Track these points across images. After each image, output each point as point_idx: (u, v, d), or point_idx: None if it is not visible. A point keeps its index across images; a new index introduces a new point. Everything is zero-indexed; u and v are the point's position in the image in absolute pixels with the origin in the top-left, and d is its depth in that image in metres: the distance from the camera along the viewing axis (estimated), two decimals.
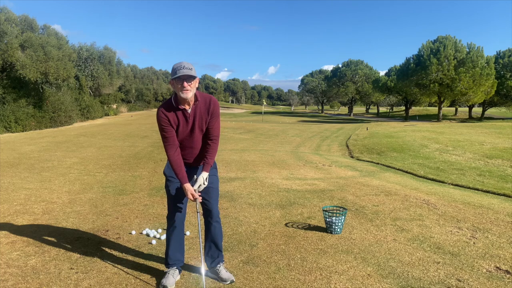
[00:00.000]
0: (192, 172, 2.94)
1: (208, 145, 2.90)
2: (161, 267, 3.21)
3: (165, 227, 3.08)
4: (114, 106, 48.40)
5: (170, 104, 2.77)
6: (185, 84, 2.64)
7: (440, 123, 37.00)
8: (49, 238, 3.89)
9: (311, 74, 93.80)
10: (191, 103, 2.78)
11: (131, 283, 2.94)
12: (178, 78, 2.64)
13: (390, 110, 76.54)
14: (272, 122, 41.52)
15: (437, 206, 5.40)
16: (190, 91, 2.68)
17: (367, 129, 25.47)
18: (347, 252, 3.63)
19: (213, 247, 3.09)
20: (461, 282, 3.04)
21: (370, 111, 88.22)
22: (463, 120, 43.85)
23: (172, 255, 3.01)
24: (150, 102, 69.90)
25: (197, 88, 2.84)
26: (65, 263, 3.29)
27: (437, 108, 46.41)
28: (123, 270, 3.16)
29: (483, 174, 9.19)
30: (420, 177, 9.07)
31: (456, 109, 59.10)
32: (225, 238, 3.88)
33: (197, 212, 2.92)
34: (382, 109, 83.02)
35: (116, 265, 3.26)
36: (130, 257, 3.45)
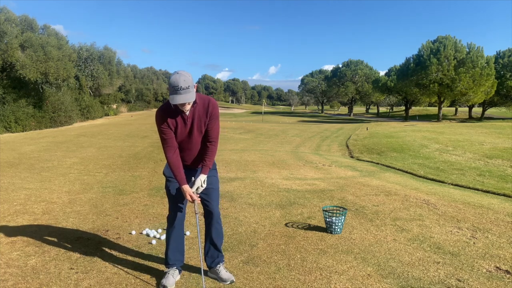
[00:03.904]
0: (191, 173, 2.94)
1: (207, 148, 2.88)
2: (161, 267, 3.21)
3: (165, 227, 3.08)
4: (114, 106, 48.40)
5: (169, 106, 2.74)
6: (185, 105, 2.65)
7: (440, 123, 37.02)
8: (49, 238, 3.89)
9: (311, 74, 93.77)
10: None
11: (131, 283, 2.94)
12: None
13: (390, 110, 76.52)
14: (272, 122, 41.53)
15: (437, 206, 5.40)
16: (189, 105, 2.70)
17: (367, 129, 25.47)
18: (347, 252, 3.63)
19: (213, 247, 3.09)
20: (461, 282, 3.04)
21: (370, 111, 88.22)
22: (463, 120, 43.86)
23: (172, 255, 3.01)
24: (150, 102, 69.91)
25: (197, 89, 2.83)
26: (65, 263, 3.29)
27: (437, 108, 46.41)
28: (123, 270, 3.16)
29: (483, 174, 9.19)
30: (420, 177, 9.07)
31: (456, 109, 59.10)
32: (225, 238, 3.87)
33: (196, 213, 2.91)
34: (382, 109, 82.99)
35: (116, 265, 3.26)
36: (130, 257, 3.45)
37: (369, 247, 3.78)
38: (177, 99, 2.56)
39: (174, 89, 2.55)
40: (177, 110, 2.74)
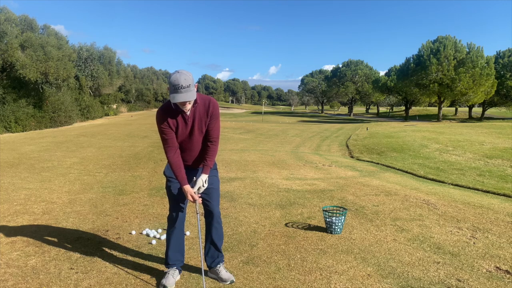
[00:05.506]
0: (192, 174, 2.93)
1: (208, 147, 2.88)
2: (161, 267, 3.21)
3: (165, 227, 3.09)
4: (114, 106, 48.42)
5: (169, 107, 2.75)
6: (186, 104, 2.65)
7: (440, 123, 37.01)
8: (49, 238, 3.89)
9: (311, 74, 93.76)
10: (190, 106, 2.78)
11: (131, 283, 2.94)
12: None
13: (390, 110, 76.53)
14: (272, 122, 41.54)
15: (437, 206, 5.40)
16: (190, 104, 2.69)
17: (367, 129, 25.46)
18: (347, 252, 3.63)
19: (213, 247, 3.09)
20: (461, 282, 3.04)
21: (370, 111, 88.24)
22: (463, 120, 43.86)
23: (172, 255, 3.01)
24: (150, 102, 69.99)
25: (197, 89, 2.83)
26: (65, 263, 3.29)
27: (437, 108, 46.41)
28: (123, 270, 3.16)
29: (483, 174, 9.19)
30: (420, 177, 9.07)
31: (456, 109, 59.11)
32: (225, 238, 3.87)
33: (197, 213, 2.92)
34: (382, 109, 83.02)
35: (116, 265, 3.26)
36: (130, 257, 3.45)
37: (369, 247, 3.77)
38: (178, 98, 2.55)
39: (175, 88, 2.54)
40: (178, 110, 2.74)
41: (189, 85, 2.56)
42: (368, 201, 5.68)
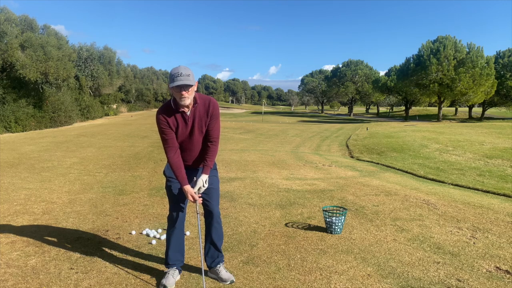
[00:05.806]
0: (192, 174, 2.94)
1: (208, 147, 2.89)
2: (161, 267, 3.21)
3: (165, 227, 3.09)
4: (114, 106, 48.44)
5: (169, 107, 2.76)
6: (183, 92, 2.63)
7: (440, 123, 37.02)
8: (49, 238, 3.89)
9: (311, 74, 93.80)
10: (190, 105, 2.78)
11: (131, 283, 2.94)
12: (176, 87, 2.63)
13: (390, 110, 76.55)
14: (272, 122, 41.55)
15: (437, 206, 5.40)
16: (188, 98, 2.68)
17: (367, 129, 25.47)
18: (347, 252, 3.63)
19: (213, 247, 3.09)
20: (461, 282, 3.04)
21: (370, 111, 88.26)
22: (463, 120, 43.87)
23: (172, 255, 3.01)
24: (150, 102, 70.02)
25: (197, 89, 2.83)
26: (65, 263, 3.29)
27: (437, 108, 46.42)
28: (123, 270, 3.16)
29: (483, 174, 9.19)
30: (420, 177, 9.07)
31: (456, 109, 59.12)
32: (225, 238, 3.87)
33: (197, 213, 2.92)
34: (382, 109, 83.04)
35: (116, 265, 3.26)
36: (130, 257, 3.45)
37: (369, 247, 3.77)
38: (178, 82, 2.58)
39: (175, 75, 2.59)
40: (178, 110, 2.75)
41: (189, 74, 2.61)
42: (368, 201, 5.68)
